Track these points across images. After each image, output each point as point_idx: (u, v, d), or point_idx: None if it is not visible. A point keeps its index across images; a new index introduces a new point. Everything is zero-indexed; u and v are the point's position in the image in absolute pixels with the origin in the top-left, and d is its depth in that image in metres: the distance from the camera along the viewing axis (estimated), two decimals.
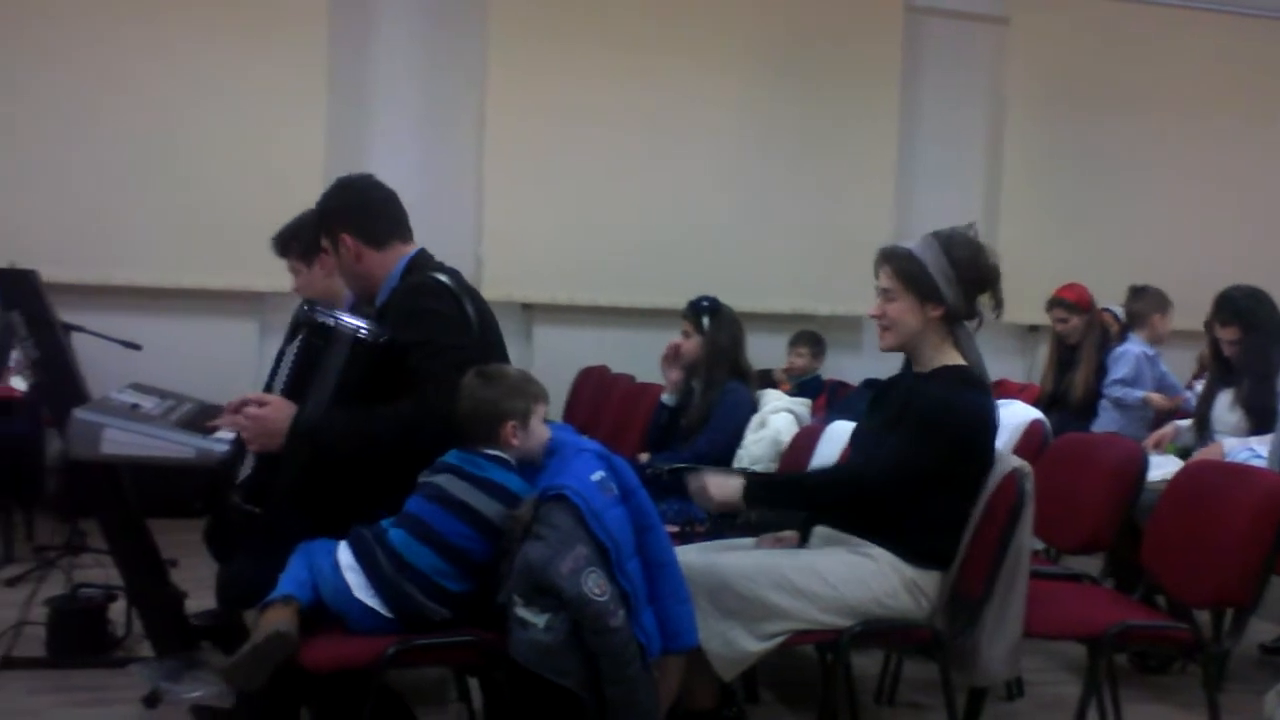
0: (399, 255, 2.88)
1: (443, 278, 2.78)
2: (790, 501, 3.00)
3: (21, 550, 4.87)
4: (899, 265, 2.81)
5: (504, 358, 2.90)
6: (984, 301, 2.89)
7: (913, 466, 2.70)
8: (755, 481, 2.86)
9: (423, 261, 2.89)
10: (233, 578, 2.82)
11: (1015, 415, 3.97)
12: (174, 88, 6.02)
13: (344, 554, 2.48)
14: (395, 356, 2.64)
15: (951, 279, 2.79)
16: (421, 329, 2.66)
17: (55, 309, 3.48)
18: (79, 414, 2.96)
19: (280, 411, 2.60)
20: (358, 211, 2.88)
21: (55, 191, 5.86)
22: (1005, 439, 3.81)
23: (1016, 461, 2.80)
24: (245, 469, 2.76)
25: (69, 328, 3.94)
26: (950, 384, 2.77)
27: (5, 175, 5.81)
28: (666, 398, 4.63)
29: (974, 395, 2.77)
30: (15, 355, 4.74)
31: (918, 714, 3.58)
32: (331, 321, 2.66)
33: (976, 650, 2.78)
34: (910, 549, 2.73)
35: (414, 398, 2.59)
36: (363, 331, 2.64)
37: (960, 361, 2.83)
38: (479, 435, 2.56)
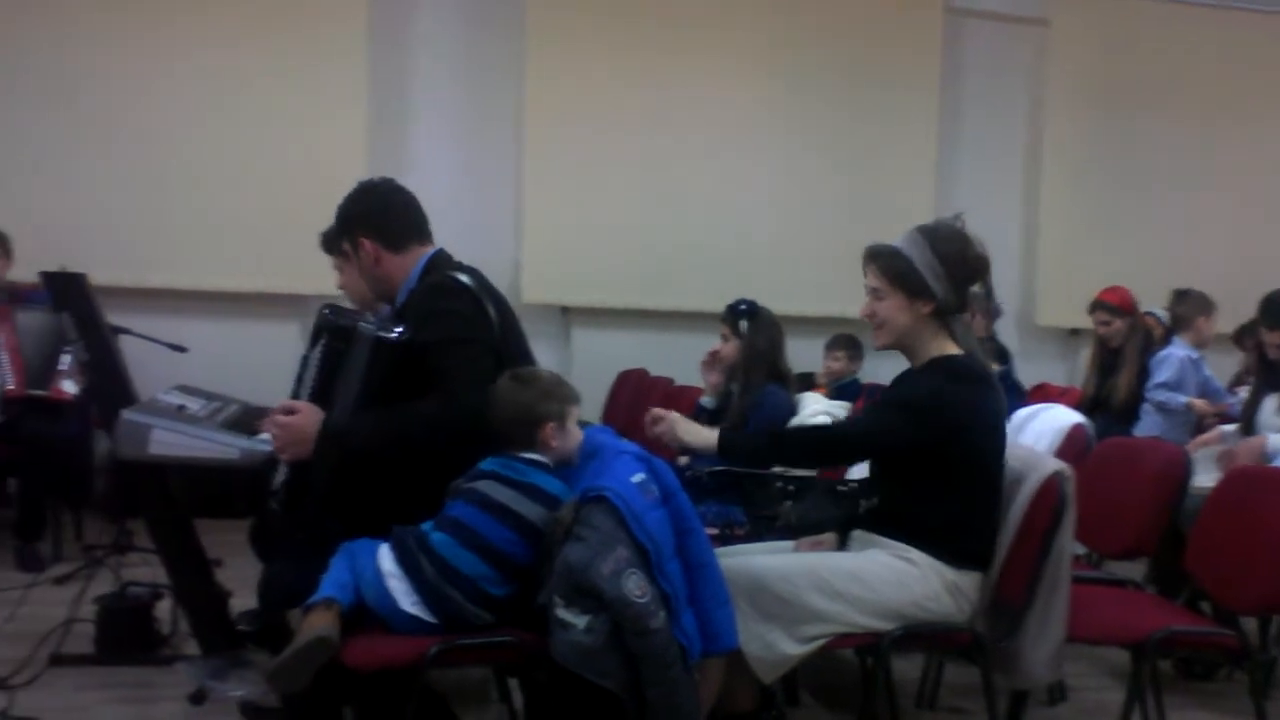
0: (417, 257, 2.91)
1: (462, 277, 2.80)
2: (761, 450, 2.97)
3: (70, 549, 4.95)
4: (885, 264, 2.81)
5: (529, 359, 2.91)
6: (976, 292, 2.88)
7: (884, 442, 2.77)
8: (729, 433, 2.90)
9: (441, 261, 2.91)
10: (272, 580, 2.84)
11: (1057, 419, 3.94)
12: (218, 94, 6.10)
13: (386, 560, 2.49)
14: (417, 356, 2.66)
15: (940, 274, 2.77)
16: (441, 327, 2.68)
17: (103, 311, 3.54)
18: (127, 415, 3.00)
19: (309, 418, 2.63)
20: (377, 216, 2.92)
21: (103, 197, 5.96)
22: (1047, 443, 3.80)
23: (1058, 465, 2.78)
24: (280, 475, 2.80)
25: (117, 330, 3.99)
26: (940, 374, 2.76)
27: (56, 181, 5.91)
28: (705, 400, 4.63)
29: (964, 388, 2.74)
30: (67, 359, 4.82)
31: (959, 718, 3.56)
32: (350, 324, 2.69)
33: (1019, 654, 2.76)
34: (948, 551, 2.71)
35: (439, 394, 2.61)
36: (382, 331, 2.66)
37: (953, 352, 2.81)
38: (517, 439, 2.57)
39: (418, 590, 2.46)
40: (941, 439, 2.69)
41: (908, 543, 2.74)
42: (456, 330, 2.68)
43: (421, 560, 2.47)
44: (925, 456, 2.70)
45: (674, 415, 2.81)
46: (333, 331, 2.72)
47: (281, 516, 2.84)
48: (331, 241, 3.65)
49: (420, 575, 2.46)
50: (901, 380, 2.89)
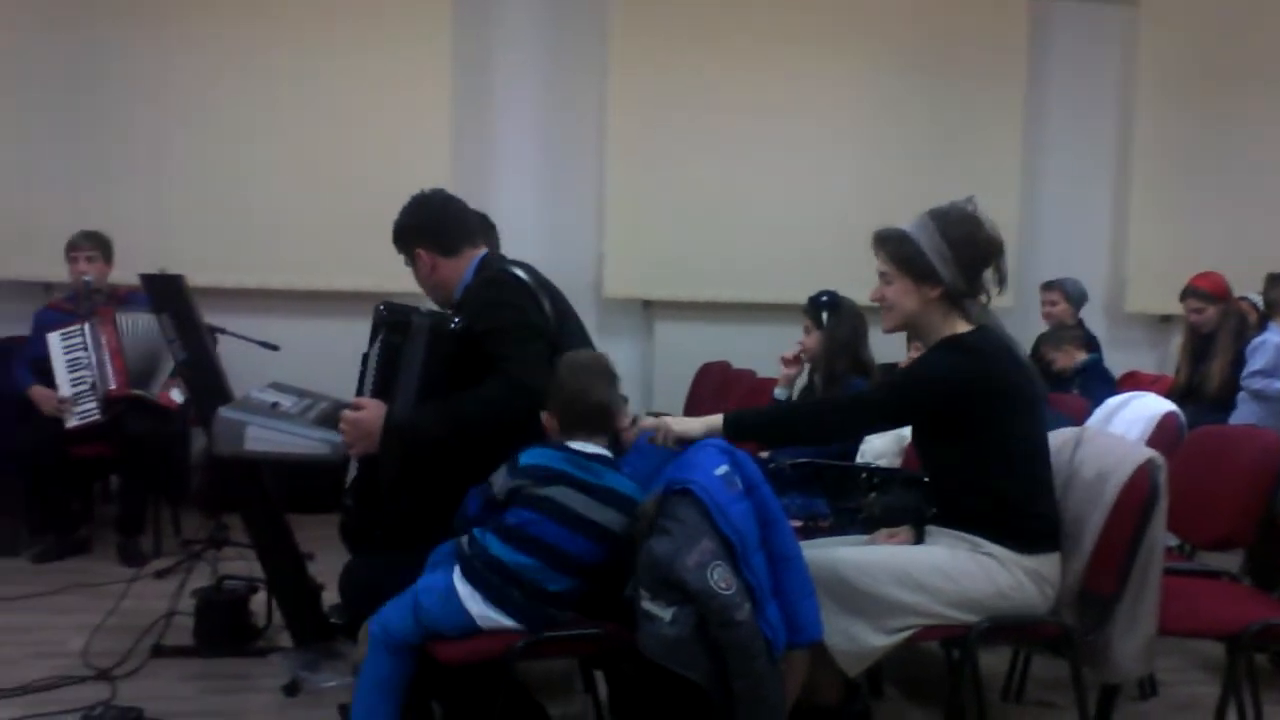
0: (469, 259, 3.01)
1: (517, 271, 2.88)
2: (771, 426, 2.97)
3: (170, 544, 5.09)
4: (893, 248, 2.79)
5: (586, 345, 2.97)
6: (990, 277, 2.81)
7: (865, 402, 2.91)
8: (736, 412, 2.85)
9: (493, 260, 3.01)
10: (350, 575, 2.90)
11: (1148, 407, 3.87)
12: (307, 97, 6.22)
13: (461, 585, 2.52)
14: (473, 346, 2.73)
15: (948, 258, 2.74)
16: (496, 316, 2.76)
17: (200, 312, 3.63)
18: (224, 412, 3.08)
19: (373, 413, 2.72)
20: (430, 225, 3.03)
21: (199, 200, 6.11)
22: (1138, 432, 3.73)
23: (1149, 453, 2.73)
24: (351, 471, 2.87)
25: (213, 330, 4.08)
26: (947, 350, 2.75)
27: (155, 188, 6.09)
28: (779, 392, 4.62)
29: (970, 359, 2.70)
30: (172, 365, 4.96)
31: (1046, 712, 3.51)
32: (405, 318, 2.76)
33: (1108, 646, 2.72)
34: (1014, 536, 2.68)
35: (497, 379, 2.67)
36: (439, 323, 2.75)
37: (963, 329, 2.78)
38: (591, 426, 2.59)
39: (494, 602, 2.50)
40: (957, 410, 2.67)
41: (980, 536, 2.71)
42: (510, 318, 2.75)
43: (491, 577, 2.50)
44: (951, 435, 2.69)
45: (664, 418, 2.80)
46: (389, 326, 2.79)
47: (355, 512, 2.91)
48: None
49: (492, 590, 2.50)
50: (920, 361, 2.92)
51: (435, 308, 3.15)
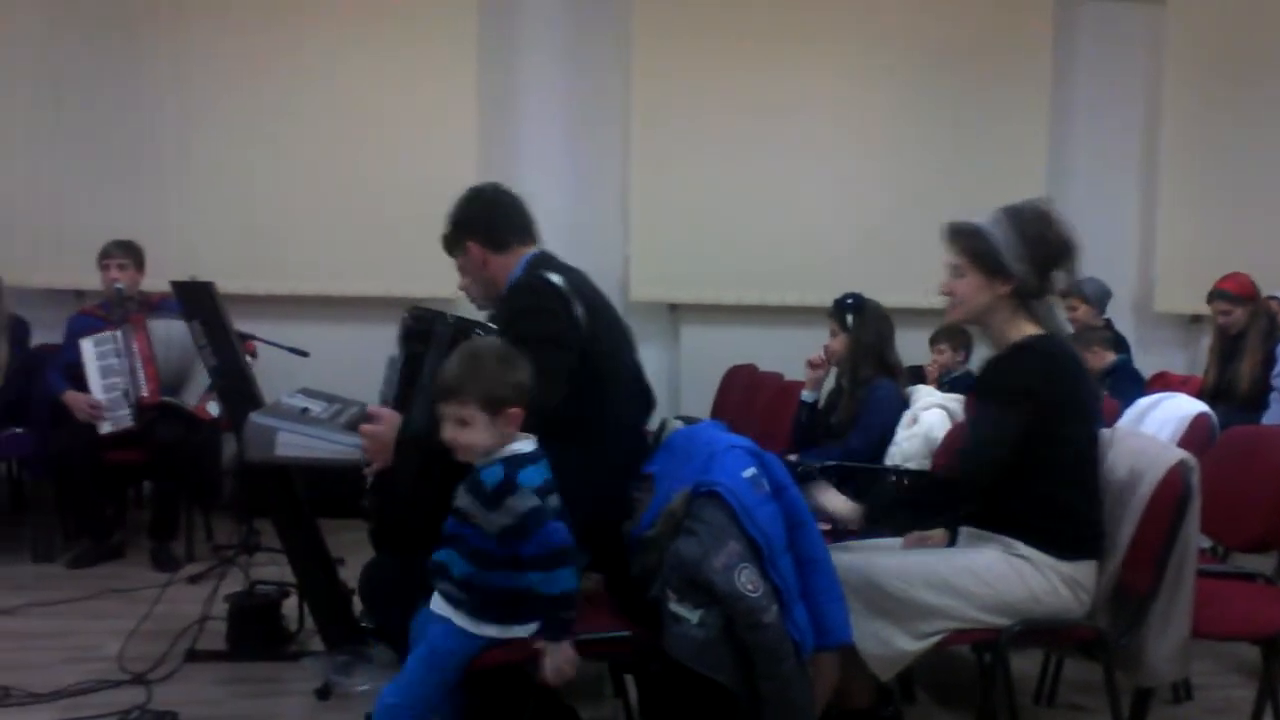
0: (519, 256, 2.96)
1: (554, 277, 2.80)
2: (902, 515, 2.95)
3: (202, 550, 5.13)
4: (966, 241, 2.78)
5: (628, 357, 2.94)
6: (1060, 277, 2.80)
7: (1005, 448, 2.66)
8: (873, 508, 2.86)
9: (540, 261, 2.93)
10: (370, 576, 2.90)
11: (1179, 408, 3.84)
12: (332, 109, 6.27)
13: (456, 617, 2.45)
14: None
15: (1021, 255, 2.72)
16: (520, 325, 2.70)
17: (230, 318, 3.66)
18: (255, 418, 3.09)
19: (389, 424, 2.69)
20: (483, 219, 2.98)
21: (227, 209, 6.17)
22: (1170, 432, 3.70)
23: (1181, 454, 2.71)
24: (369, 479, 2.86)
25: (243, 336, 4.10)
26: (1032, 357, 2.72)
27: (185, 196, 6.15)
28: (806, 394, 4.62)
29: (1057, 369, 2.70)
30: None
31: (1079, 716, 3.49)
32: (426, 327, 2.75)
33: (1142, 650, 2.70)
34: (1056, 543, 2.67)
35: None
36: (456, 333, 2.71)
37: (1034, 333, 2.76)
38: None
39: (479, 614, 2.43)
40: (1044, 423, 2.65)
41: (1016, 538, 2.70)
42: (534, 329, 2.69)
43: (462, 595, 2.44)
44: (1027, 445, 2.66)
45: (821, 482, 2.84)
46: (412, 335, 2.79)
47: (373, 517, 2.92)
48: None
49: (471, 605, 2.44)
50: (993, 372, 2.81)
51: (466, 314, 3.14)
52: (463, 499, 2.38)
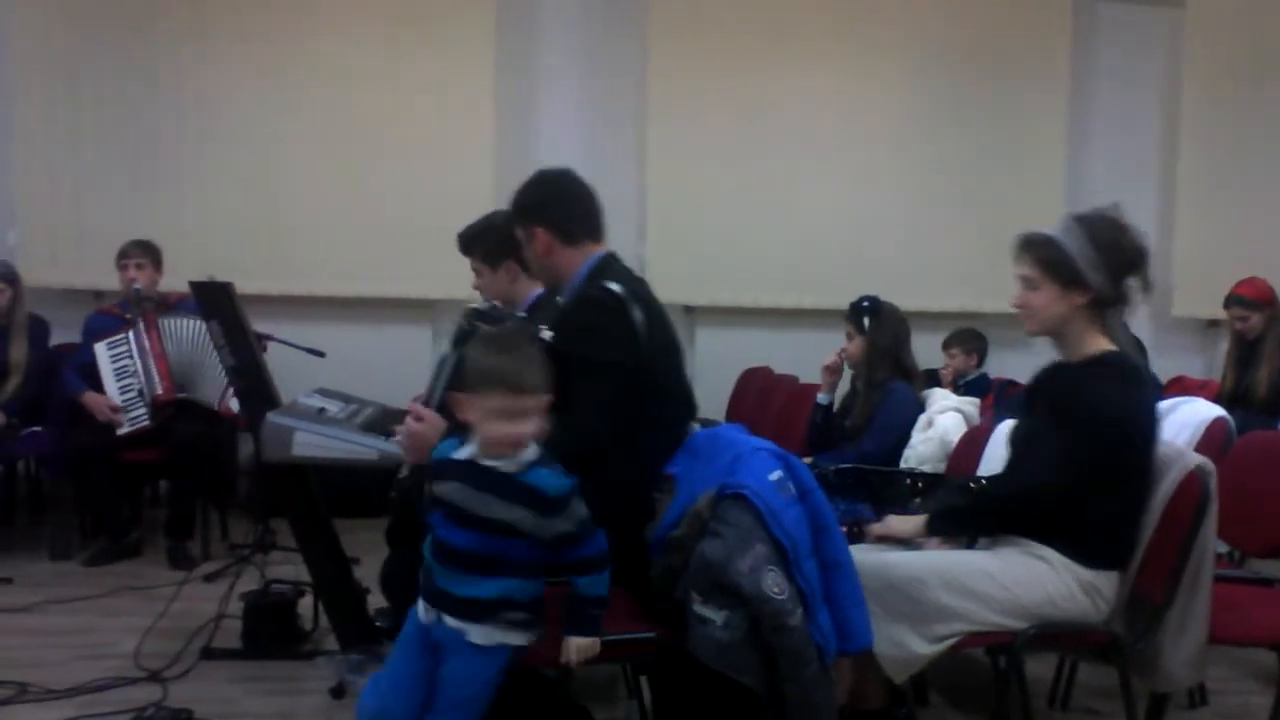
0: (587, 255, 2.87)
1: (616, 287, 2.74)
2: (974, 527, 2.90)
3: (218, 548, 5.15)
4: (1041, 253, 2.75)
5: (677, 365, 2.89)
6: (1133, 284, 2.78)
7: (1080, 465, 2.63)
8: (936, 515, 2.84)
9: (606, 267, 2.85)
10: (392, 567, 2.90)
11: (1197, 413, 3.82)
12: (350, 110, 6.30)
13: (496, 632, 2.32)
14: (552, 362, 2.59)
15: (1096, 263, 2.71)
16: (580, 344, 2.63)
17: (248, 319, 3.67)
18: (272, 418, 3.11)
19: (433, 427, 2.62)
20: (555, 206, 2.88)
21: (245, 210, 6.20)
22: (1187, 437, 3.68)
23: (1199, 459, 2.70)
24: (404, 470, 2.85)
25: (260, 336, 4.11)
26: (1106, 377, 2.70)
27: (203, 197, 6.19)
28: (822, 396, 4.62)
29: (1134, 391, 2.70)
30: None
31: None
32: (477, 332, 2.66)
33: (1158, 654, 2.69)
34: (1084, 550, 2.66)
35: (560, 417, 2.53)
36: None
37: (1109, 348, 2.75)
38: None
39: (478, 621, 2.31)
40: (1118, 445, 2.65)
41: (1040, 541, 2.69)
42: (591, 351, 2.63)
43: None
44: (1091, 464, 2.64)
45: (889, 519, 2.84)
46: (464, 339, 2.71)
47: (401, 509, 2.91)
48: (470, 244, 3.70)
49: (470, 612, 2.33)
50: (1070, 387, 2.75)
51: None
52: (511, 512, 2.24)
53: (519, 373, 2.24)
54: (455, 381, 2.71)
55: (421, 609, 2.36)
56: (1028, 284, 2.78)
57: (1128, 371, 2.72)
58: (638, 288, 2.83)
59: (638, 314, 2.72)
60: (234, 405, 5.05)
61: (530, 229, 2.88)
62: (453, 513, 2.28)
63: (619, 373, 2.63)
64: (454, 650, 2.28)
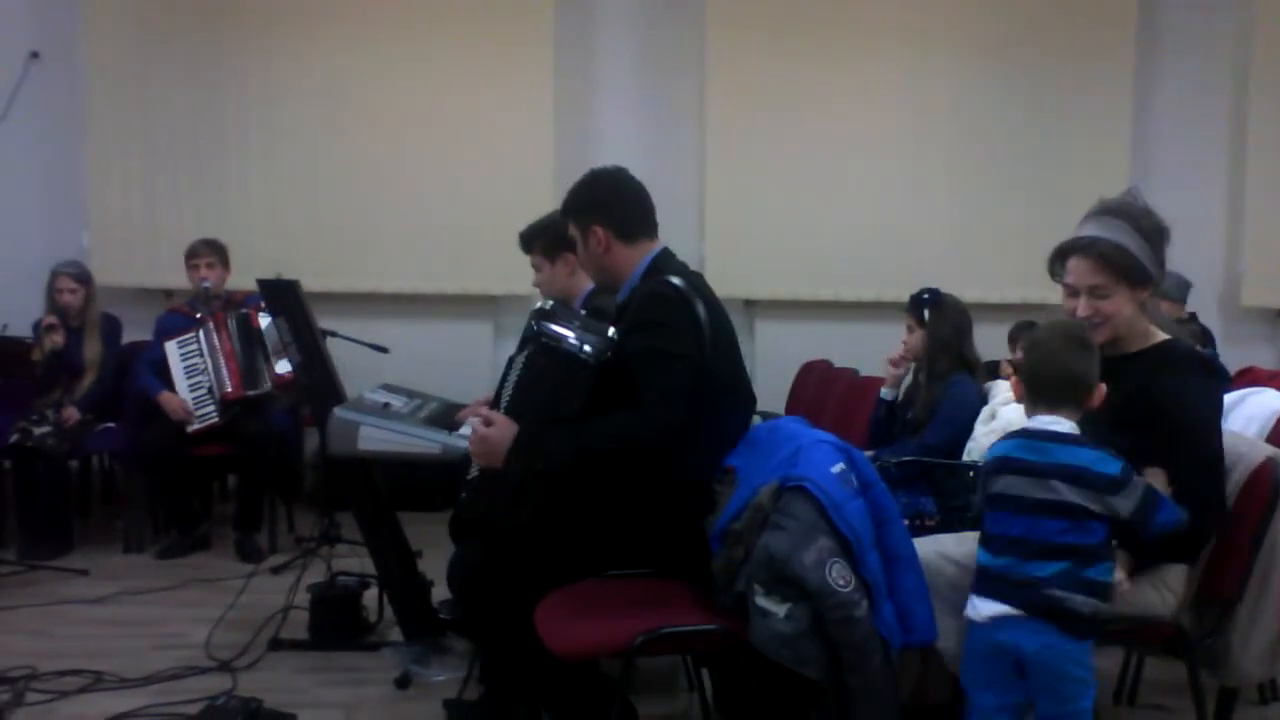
0: (644, 252, 2.89)
1: (678, 281, 2.76)
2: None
3: (284, 541, 5.25)
4: (1108, 260, 2.67)
5: (736, 358, 2.88)
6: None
7: (1207, 462, 2.58)
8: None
9: (663, 263, 2.88)
10: (460, 562, 2.91)
11: (1267, 404, 3.75)
12: (412, 110, 6.37)
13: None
14: (623, 361, 2.63)
15: (1151, 256, 2.68)
16: (648, 338, 2.65)
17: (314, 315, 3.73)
18: (339, 412, 3.15)
19: (504, 432, 2.61)
20: (611, 204, 2.91)
21: (311, 209, 6.31)
22: (1257, 428, 3.62)
23: (1270, 450, 2.65)
24: (474, 469, 2.83)
25: (325, 333, 4.17)
26: (1194, 372, 2.65)
27: (270, 197, 6.30)
28: (885, 392, 4.58)
29: (1215, 383, 2.68)
30: (270, 345, 5.12)
31: (1161, 716, 3.42)
32: (554, 340, 2.63)
33: (1228, 649, 2.64)
34: (1158, 544, 2.60)
35: (635, 410, 2.59)
36: (586, 352, 2.60)
37: (1161, 336, 2.72)
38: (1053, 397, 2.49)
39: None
40: (1213, 440, 2.61)
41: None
42: (661, 344, 2.64)
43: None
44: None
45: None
46: (538, 346, 2.69)
47: (469, 507, 2.92)
48: (530, 241, 3.72)
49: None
50: (1177, 394, 2.61)
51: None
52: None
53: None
54: (527, 390, 2.70)
55: None
56: (1096, 293, 2.69)
57: (1211, 365, 2.70)
58: (696, 282, 2.85)
59: (700, 307, 2.74)
60: (280, 368, 5.10)
61: (588, 227, 2.90)
62: None
63: (690, 364, 2.64)
64: None
